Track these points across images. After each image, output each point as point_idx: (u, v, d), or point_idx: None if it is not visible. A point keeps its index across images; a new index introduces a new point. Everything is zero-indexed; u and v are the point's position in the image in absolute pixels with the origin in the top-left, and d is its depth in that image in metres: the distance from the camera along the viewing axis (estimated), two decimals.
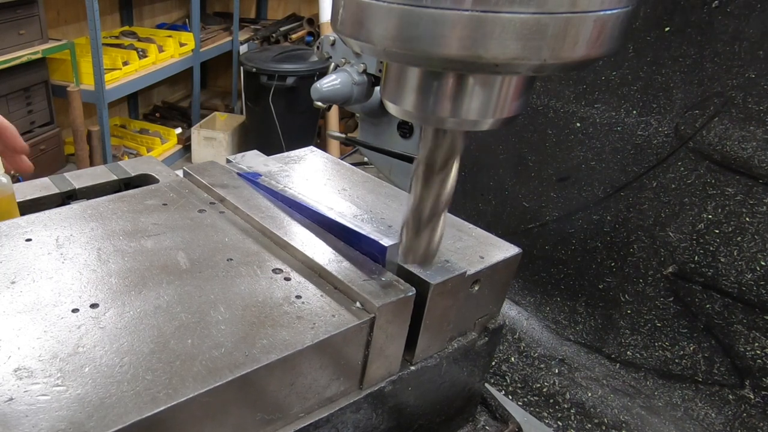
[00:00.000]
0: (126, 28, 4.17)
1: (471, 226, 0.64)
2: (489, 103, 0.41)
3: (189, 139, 4.17)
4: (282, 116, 3.54)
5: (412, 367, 0.55)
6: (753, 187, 0.74)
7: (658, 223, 0.84)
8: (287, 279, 0.52)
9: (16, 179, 3.22)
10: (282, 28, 4.52)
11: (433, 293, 0.51)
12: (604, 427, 0.84)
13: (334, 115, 3.42)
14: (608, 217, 0.89)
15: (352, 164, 0.79)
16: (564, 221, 0.94)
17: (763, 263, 0.74)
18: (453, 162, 0.46)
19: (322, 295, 0.50)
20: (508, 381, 0.92)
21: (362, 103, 1.32)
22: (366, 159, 1.62)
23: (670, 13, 0.79)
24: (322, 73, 1.70)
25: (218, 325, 0.45)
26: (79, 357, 0.42)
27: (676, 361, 0.84)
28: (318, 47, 1.37)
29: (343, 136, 1.59)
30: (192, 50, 4.11)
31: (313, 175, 0.73)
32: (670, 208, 0.82)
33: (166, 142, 4.12)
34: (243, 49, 4.39)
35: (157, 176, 0.71)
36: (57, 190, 0.66)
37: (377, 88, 1.30)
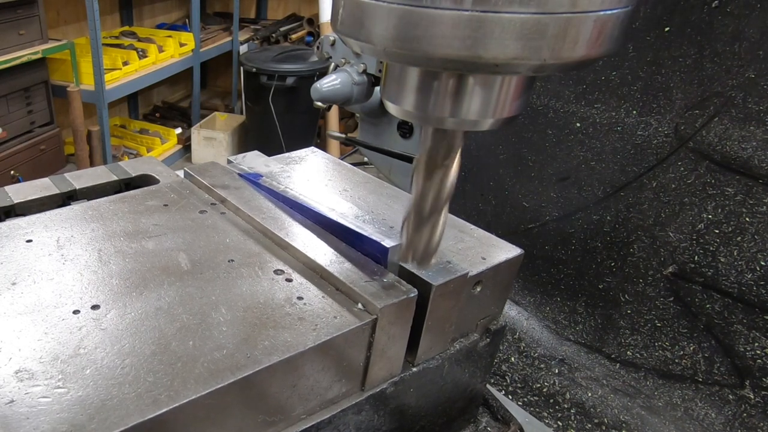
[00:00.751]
0: (126, 28, 4.17)
1: (472, 227, 0.64)
2: (489, 103, 0.41)
3: (189, 139, 4.17)
4: (282, 116, 3.53)
5: (414, 369, 0.55)
6: (753, 187, 0.74)
7: (658, 223, 0.84)
8: (289, 280, 0.52)
9: (16, 179, 3.21)
10: (282, 28, 4.52)
11: (435, 294, 0.51)
12: (604, 427, 0.84)
13: (334, 115, 3.42)
14: (608, 217, 0.89)
15: (352, 164, 0.79)
16: (564, 221, 0.94)
17: (763, 263, 0.74)
18: (453, 162, 0.46)
19: (323, 297, 0.50)
20: (508, 381, 0.92)
21: (362, 103, 1.32)
22: (366, 159, 1.62)
23: (670, 13, 0.79)
24: (322, 73, 1.70)
25: (220, 327, 0.45)
26: (81, 359, 0.42)
27: (676, 361, 0.84)
28: (318, 47, 1.37)
29: (343, 136, 1.59)
30: (192, 50, 4.11)
31: (314, 175, 0.73)
32: (670, 208, 0.82)
33: (166, 142, 4.12)
34: (243, 49, 4.39)
35: (157, 177, 0.71)
36: (57, 191, 0.66)
37: (377, 88, 1.30)
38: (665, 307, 0.84)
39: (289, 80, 3.49)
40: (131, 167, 0.73)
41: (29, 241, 0.55)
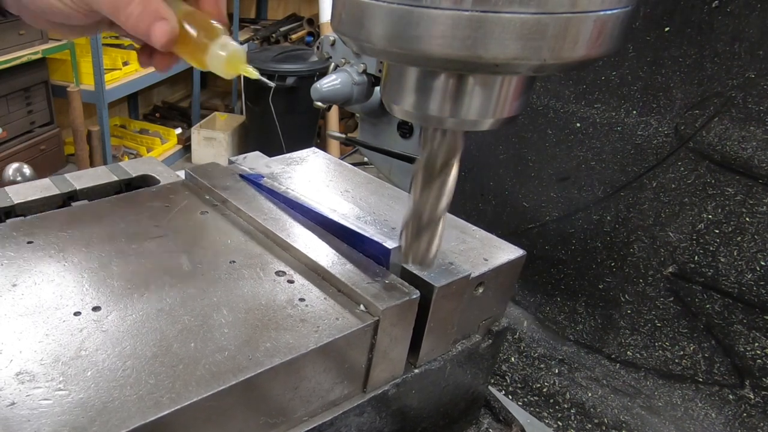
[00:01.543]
0: None
1: (474, 227, 0.64)
2: (489, 103, 0.41)
3: (189, 139, 4.17)
4: (282, 116, 3.53)
5: (416, 370, 0.55)
6: (753, 187, 0.74)
7: (658, 223, 0.84)
8: (290, 281, 0.52)
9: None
10: (282, 29, 4.52)
11: (437, 296, 0.51)
12: (604, 427, 0.84)
13: (334, 115, 3.42)
14: (608, 217, 0.89)
15: (351, 164, 0.79)
16: (564, 221, 0.94)
17: (763, 263, 0.74)
18: (453, 162, 0.46)
19: (325, 298, 0.50)
20: (508, 381, 0.92)
21: (362, 103, 1.32)
22: (366, 159, 1.61)
23: (670, 13, 0.79)
24: (322, 73, 1.70)
25: (221, 329, 0.45)
26: (82, 361, 0.42)
27: (676, 361, 0.84)
28: (318, 47, 1.37)
29: (343, 136, 1.59)
30: None
31: (315, 176, 0.73)
32: (670, 208, 0.82)
33: (166, 142, 4.12)
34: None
35: (158, 177, 0.71)
36: (58, 191, 0.66)
37: (377, 88, 1.30)
38: (665, 307, 0.84)
39: (289, 80, 3.49)
40: (132, 168, 0.73)
41: (30, 242, 0.55)
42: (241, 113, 4.28)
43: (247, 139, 4.01)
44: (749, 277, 0.76)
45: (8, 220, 0.60)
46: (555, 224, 0.96)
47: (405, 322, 0.50)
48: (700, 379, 0.81)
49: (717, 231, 0.78)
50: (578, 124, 0.91)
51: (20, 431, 0.36)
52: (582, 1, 0.33)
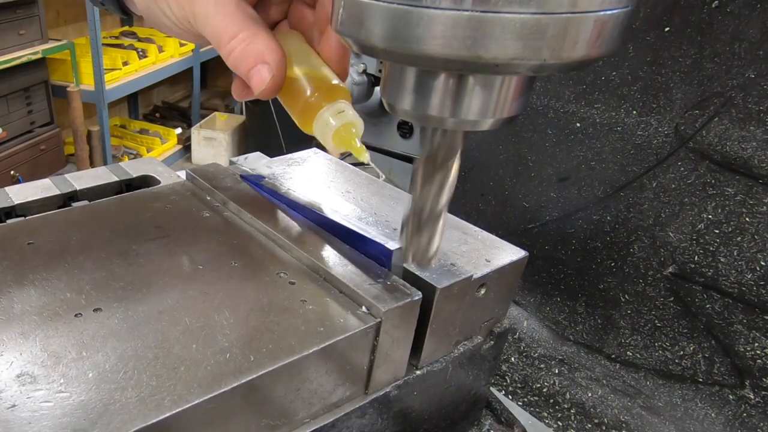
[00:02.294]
0: (126, 28, 4.17)
1: (476, 228, 0.64)
2: (489, 103, 0.41)
3: (189, 139, 4.17)
4: (282, 116, 3.53)
5: (418, 372, 0.55)
6: (753, 187, 0.74)
7: (658, 223, 0.84)
8: (292, 283, 0.52)
9: (16, 179, 3.21)
10: None
11: (439, 297, 0.51)
12: (604, 427, 0.84)
13: None
14: (608, 217, 0.89)
15: (351, 164, 0.79)
16: (564, 221, 0.94)
17: (763, 263, 0.74)
18: (453, 162, 0.46)
19: (327, 299, 0.50)
20: (508, 381, 0.92)
21: (362, 103, 1.32)
22: None
23: (670, 13, 0.79)
24: None
25: (223, 330, 0.45)
26: (83, 362, 0.41)
27: (676, 361, 0.84)
28: None
29: None
30: (192, 50, 4.11)
31: (316, 177, 0.73)
32: (670, 208, 0.82)
33: (166, 142, 4.13)
34: None
35: (158, 177, 0.71)
36: (58, 192, 0.66)
37: (377, 88, 1.30)
38: (665, 307, 0.84)
39: None
40: (132, 168, 0.73)
41: (31, 243, 0.55)
42: (241, 113, 4.28)
43: (247, 139, 4.01)
44: (749, 277, 0.76)
45: (8, 221, 0.60)
46: (555, 224, 0.96)
47: (407, 324, 0.50)
48: (700, 379, 0.81)
49: (717, 231, 0.78)
50: (578, 124, 0.91)
51: None
52: (582, 1, 0.33)
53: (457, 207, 1.10)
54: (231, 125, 4.13)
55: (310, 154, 0.79)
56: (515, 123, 0.93)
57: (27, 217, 0.61)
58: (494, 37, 0.34)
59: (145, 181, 0.72)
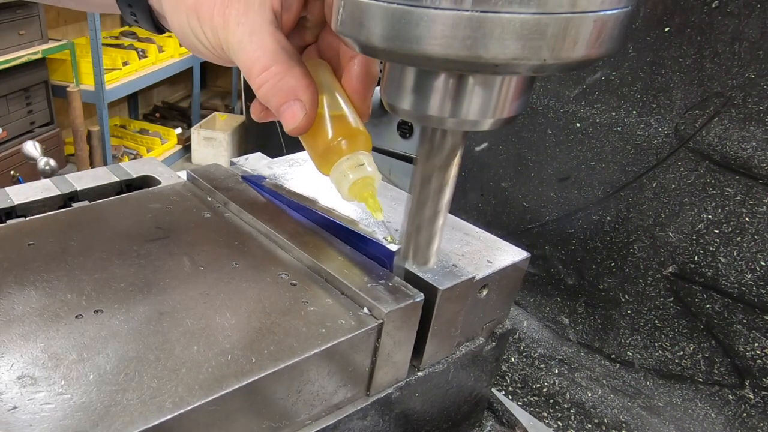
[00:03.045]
0: (126, 28, 4.17)
1: (478, 229, 0.64)
2: (489, 104, 0.41)
3: (189, 139, 4.17)
4: None
5: (420, 373, 0.55)
6: (753, 187, 0.74)
7: (658, 223, 0.84)
8: (293, 284, 0.52)
9: (16, 179, 3.20)
10: None
11: (441, 298, 0.51)
12: (604, 427, 0.84)
13: None
14: (608, 217, 0.89)
15: None
16: (564, 221, 0.94)
17: (763, 263, 0.74)
18: (453, 162, 0.46)
19: (329, 301, 0.50)
20: (508, 381, 0.92)
21: None
22: None
23: (670, 13, 0.79)
24: None
25: (224, 332, 0.45)
26: (84, 364, 0.41)
27: (676, 361, 0.84)
28: None
29: None
30: None
31: (317, 177, 0.73)
32: (670, 208, 0.82)
33: (166, 142, 4.13)
34: None
35: (158, 178, 0.71)
36: (58, 192, 0.66)
37: (377, 88, 1.30)
38: (665, 307, 0.84)
39: None
40: (132, 168, 0.73)
41: (31, 244, 0.55)
42: (241, 113, 4.28)
43: (247, 139, 4.01)
44: (749, 277, 0.76)
45: (9, 221, 0.60)
46: (555, 224, 0.96)
47: (409, 325, 0.50)
48: (700, 379, 0.81)
49: (717, 231, 0.78)
50: (578, 124, 0.91)
51: None
52: (582, 1, 0.33)
53: (457, 207, 1.11)
54: (231, 125, 4.13)
55: None
56: (515, 123, 0.93)
57: (27, 218, 0.61)
58: (494, 37, 0.34)
59: (146, 182, 0.72)
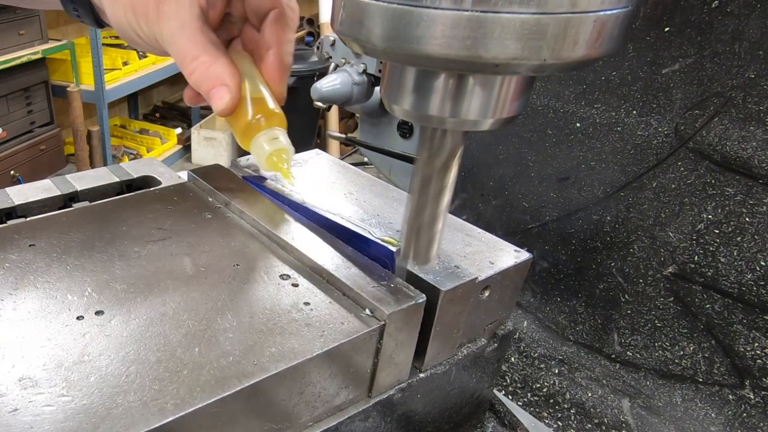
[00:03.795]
0: None
1: (479, 230, 0.64)
2: (489, 103, 0.41)
3: (189, 139, 4.17)
4: None
5: (422, 375, 0.55)
6: (753, 187, 0.74)
7: (658, 223, 0.84)
8: (295, 285, 0.52)
9: (16, 179, 3.20)
10: None
11: (443, 300, 0.51)
12: (604, 427, 0.84)
13: (334, 115, 3.42)
14: (608, 217, 0.89)
15: (351, 164, 0.79)
16: (564, 221, 0.94)
17: (763, 263, 0.75)
18: (453, 162, 0.46)
19: (330, 302, 0.50)
20: (508, 381, 0.92)
21: (362, 103, 1.32)
22: (366, 159, 1.62)
23: (670, 13, 0.80)
24: (322, 73, 1.70)
25: (226, 333, 0.45)
26: (85, 366, 0.41)
27: (676, 361, 0.84)
28: (318, 47, 1.37)
29: (343, 136, 1.59)
30: None
31: (319, 178, 0.73)
32: (670, 208, 0.82)
33: (166, 142, 4.12)
34: None
35: (159, 178, 0.71)
36: (59, 192, 0.66)
37: (377, 88, 1.30)
38: (665, 307, 0.85)
39: (289, 80, 3.49)
40: (133, 168, 0.73)
41: (32, 245, 0.55)
42: None
43: None
44: (749, 277, 0.76)
45: (9, 222, 0.60)
46: (555, 224, 0.96)
47: (411, 327, 0.50)
48: (700, 379, 0.81)
49: (717, 231, 0.78)
50: (578, 124, 0.91)
51: None
52: (582, 1, 0.33)
53: (457, 207, 1.11)
54: None
55: (313, 155, 0.79)
56: (515, 123, 0.93)
57: (28, 219, 0.61)
58: (494, 37, 0.34)
59: (146, 182, 0.72)
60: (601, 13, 0.34)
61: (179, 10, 0.49)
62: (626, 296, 0.88)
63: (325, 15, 3.49)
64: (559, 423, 0.86)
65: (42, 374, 0.40)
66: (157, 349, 0.43)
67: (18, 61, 2.96)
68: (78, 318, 0.46)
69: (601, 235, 0.90)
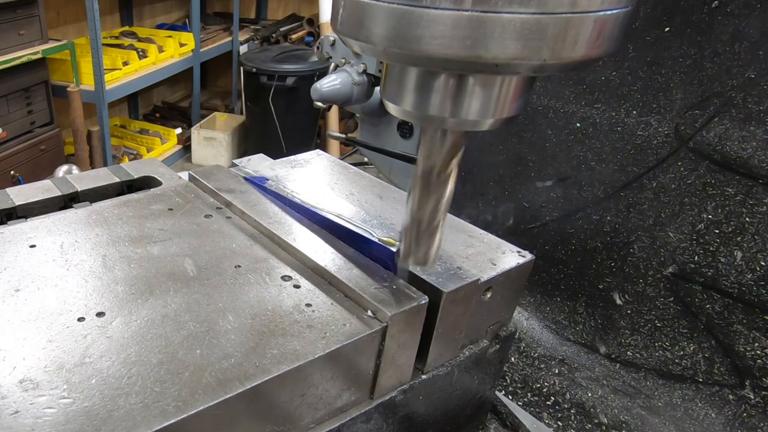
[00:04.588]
0: (126, 28, 4.17)
1: (481, 231, 0.64)
2: (489, 104, 0.41)
3: (189, 139, 4.17)
4: (282, 116, 3.54)
5: (424, 376, 0.55)
6: (753, 187, 0.74)
7: (658, 223, 0.84)
8: (297, 287, 0.51)
9: (16, 179, 3.20)
10: (282, 29, 4.52)
11: (445, 301, 0.50)
12: (604, 427, 0.84)
13: (334, 115, 3.42)
14: (608, 217, 0.89)
15: (351, 164, 0.79)
16: (564, 221, 0.94)
17: (763, 263, 0.74)
18: (453, 162, 0.46)
19: (332, 304, 0.50)
20: (508, 381, 0.92)
21: (362, 103, 1.32)
22: (366, 159, 1.61)
23: (670, 13, 0.79)
24: (322, 73, 1.70)
25: (227, 335, 0.45)
26: (86, 368, 0.41)
27: (676, 361, 0.84)
28: (318, 47, 1.37)
29: (343, 136, 1.58)
30: (192, 50, 4.11)
31: (320, 179, 0.72)
32: (670, 208, 0.82)
33: (166, 142, 4.12)
34: (243, 49, 4.40)
35: (160, 179, 0.71)
36: (59, 193, 0.66)
37: (377, 88, 1.30)
38: (665, 307, 0.84)
39: (289, 80, 3.49)
40: (133, 169, 0.73)
41: (33, 246, 0.55)
42: (241, 113, 4.28)
43: (247, 140, 4.01)
44: (749, 277, 0.76)
45: (9, 223, 0.60)
46: (555, 224, 0.96)
47: (413, 328, 0.50)
48: (700, 379, 0.81)
49: (717, 231, 0.78)
50: (578, 124, 0.91)
51: None
52: (582, 1, 0.33)
53: (457, 207, 1.11)
54: (231, 125, 4.12)
55: (314, 155, 0.79)
56: (515, 123, 0.93)
57: (28, 219, 0.61)
58: (494, 37, 0.34)
59: (147, 183, 0.72)
60: (601, 13, 0.34)
61: None
62: (626, 296, 0.88)
63: (325, 15, 3.49)
64: (559, 423, 0.86)
65: (43, 376, 0.40)
66: (159, 351, 0.43)
67: (18, 61, 2.95)
68: (79, 319, 0.46)
69: (601, 235, 0.90)
